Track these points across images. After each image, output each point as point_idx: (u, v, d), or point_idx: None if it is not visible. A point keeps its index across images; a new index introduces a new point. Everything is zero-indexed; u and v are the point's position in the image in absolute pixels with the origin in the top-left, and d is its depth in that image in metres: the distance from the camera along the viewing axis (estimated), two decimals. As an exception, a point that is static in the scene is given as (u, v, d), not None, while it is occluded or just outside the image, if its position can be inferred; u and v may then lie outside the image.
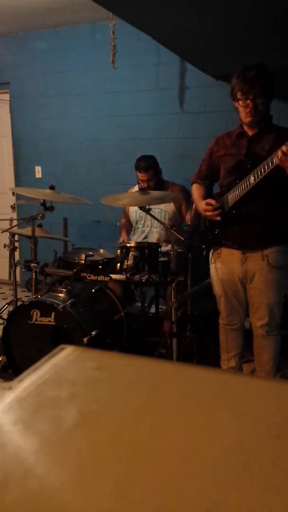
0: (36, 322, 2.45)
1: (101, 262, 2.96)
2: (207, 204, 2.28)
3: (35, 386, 0.51)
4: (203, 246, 2.50)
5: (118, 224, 3.66)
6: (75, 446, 0.41)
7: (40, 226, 3.17)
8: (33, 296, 2.72)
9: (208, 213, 2.28)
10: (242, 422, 0.45)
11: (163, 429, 0.44)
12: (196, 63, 3.42)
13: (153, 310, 3.14)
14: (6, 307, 3.48)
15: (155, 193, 2.65)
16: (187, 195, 3.04)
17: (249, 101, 2.09)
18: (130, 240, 3.29)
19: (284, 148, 1.85)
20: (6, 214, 4.73)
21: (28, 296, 3.66)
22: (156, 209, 3.15)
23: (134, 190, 3.30)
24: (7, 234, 3.12)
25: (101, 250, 3.25)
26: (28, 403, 0.48)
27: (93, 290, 2.71)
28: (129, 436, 0.43)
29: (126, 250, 2.62)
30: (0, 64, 4.71)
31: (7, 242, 3.14)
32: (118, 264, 2.63)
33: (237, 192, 2.16)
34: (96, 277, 2.56)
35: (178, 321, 2.61)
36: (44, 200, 2.77)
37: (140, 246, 2.62)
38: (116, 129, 4.24)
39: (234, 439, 0.42)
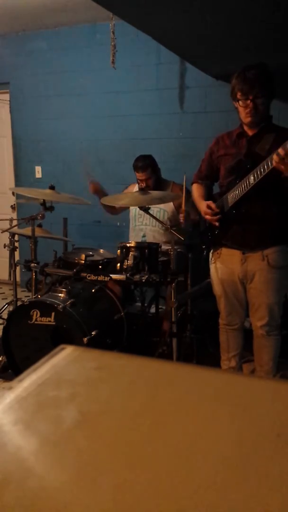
0: (36, 322, 2.45)
1: (101, 262, 2.96)
2: (208, 207, 2.29)
3: (35, 386, 0.51)
4: (203, 246, 2.50)
5: (118, 224, 3.66)
6: (75, 446, 0.41)
7: (40, 226, 3.17)
8: (33, 296, 2.71)
9: (208, 217, 2.29)
10: (242, 421, 0.45)
11: (163, 429, 0.44)
12: (196, 63, 3.42)
13: (153, 310, 3.14)
14: (6, 307, 3.48)
15: (155, 193, 2.65)
16: (187, 195, 3.04)
17: (249, 101, 2.09)
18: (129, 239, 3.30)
19: (280, 151, 1.85)
20: (6, 214, 4.74)
21: (28, 296, 3.66)
22: (155, 208, 3.15)
23: (134, 189, 3.30)
24: (7, 234, 3.12)
25: (101, 250, 3.25)
26: (28, 403, 0.48)
27: (93, 290, 2.71)
28: (129, 436, 0.43)
29: (126, 250, 2.62)
30: (0, 64, 4.71)
31: (7, 242, 3.14)
32: (118, 264, 2.63)
33: (237, 192, 2.16)
34: (96, 277, 2.56)
35: (178, 321, 2.61)
36: (44, 200, 2.77)
37: (140, 246, 2.62)
38: (116, 129, 4.24)
39: (234, 439, 0.42)
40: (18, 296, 3.30)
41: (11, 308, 3.24)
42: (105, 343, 2.62)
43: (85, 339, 2.37)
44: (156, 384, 0.53)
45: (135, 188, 3.31)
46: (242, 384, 0.54)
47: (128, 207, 3.37)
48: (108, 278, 2.53)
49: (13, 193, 4.74)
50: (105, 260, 2.99)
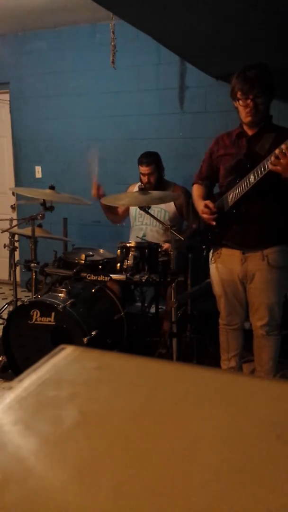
0: (36, 322, 2.45)
1: (101, 262, 2.96)
2: (206, 206, 2.29)
3: (35, 386, 0.51)
4: (203, 246, 2.50)
5: (118, 224, 3.66)
6: (75, 446, 0.41)
7: (40, 226, 3.17)
8: (33, 296, 2.71)
9: (205, 216, 2.29)
10: (242, 422, 0.45)
11: (163, 429, 0.44)
12: (196, 63, 3.42)
13: (153, 310, 3.14)
14: (6, 307, 3.48)
15: (155, 193, 2.65)
16: (188, 197, 3.04)
17: (249, 101, 2.09)
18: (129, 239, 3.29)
19: (277, 151, 1.86)
20: (6, 214, 4.73)
21: (28, 296, 3.66)
22: (156, 208, 3.16)
23: (134, 189, 3.30)
24: (7, 234, 3.12)
25: (101, 250, 3.25)
26: (28, 403, 0.48)
27: (93, 290, 2.71)
28: (129, 436, 0.43)
29: (126, 250, 2.62)
30: (0, 64, 4.71)
31: (7, 242, 3.14)
32: (118, 264, 2.63)
33: (237, 191, 2.16)
34: (96, 277, 2.56)
35: (178, 321, 2.61)
36: (44, 200, 2.76)
37: (140, 246, 2.62)
38: (116, 129, 4.24)
39: (234, 439, 0.42)
40: (18, 296, 3.30)
41: (11, 308, 3.24)
42: (105, 343, 2.62)
43: (85, 339, 2.37)
44: (156, 384, 0.53)
45: (135, 188, 3.31)
46: (242, 384, 0.54)
47: (128, 214, 3.39)
48: (108, 278, 2.53)
49: (13, 193, 4.75)
50: (105, 260, 2.99)
